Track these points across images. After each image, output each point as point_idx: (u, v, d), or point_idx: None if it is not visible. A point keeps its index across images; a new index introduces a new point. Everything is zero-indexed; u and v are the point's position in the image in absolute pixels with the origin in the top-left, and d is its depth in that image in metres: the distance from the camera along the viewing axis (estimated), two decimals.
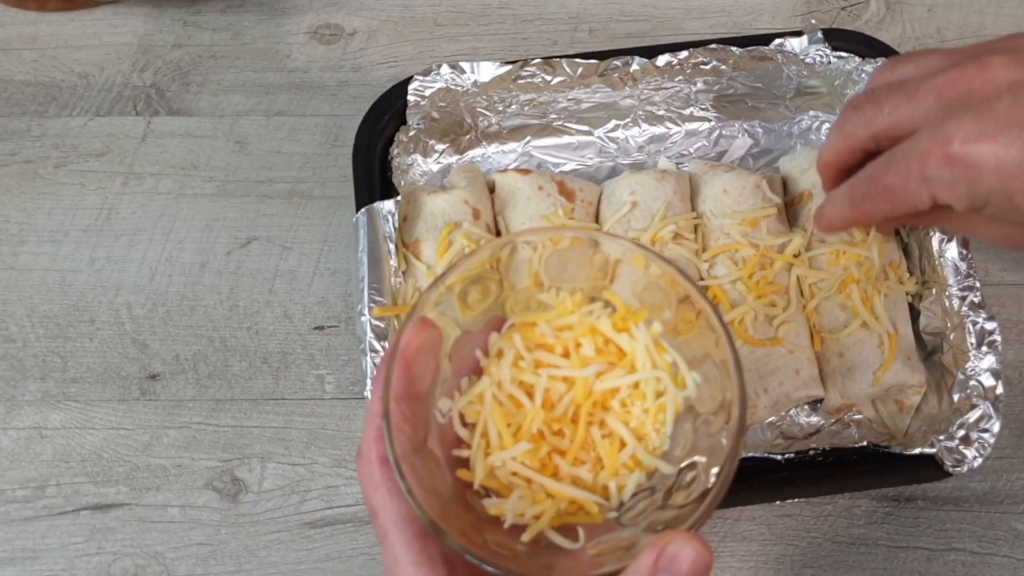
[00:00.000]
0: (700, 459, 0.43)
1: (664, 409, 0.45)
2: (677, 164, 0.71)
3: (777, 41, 0.70)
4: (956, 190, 0.51)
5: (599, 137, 0.72)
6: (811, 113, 0.72)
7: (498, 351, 0.47)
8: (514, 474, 0.44)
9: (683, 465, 0.44)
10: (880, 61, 0.69)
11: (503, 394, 0.45)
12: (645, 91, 0.71)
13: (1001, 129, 0.49)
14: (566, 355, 0.46)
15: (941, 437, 0.61)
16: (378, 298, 0.62)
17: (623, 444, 0.44)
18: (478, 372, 0.46)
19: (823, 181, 0.62)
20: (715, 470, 0.41)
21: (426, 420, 0.43)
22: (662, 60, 0.69)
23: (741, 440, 0.41)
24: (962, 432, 0.61)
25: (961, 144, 0.49)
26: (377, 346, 0.61)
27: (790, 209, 0.68)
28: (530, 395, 0.45)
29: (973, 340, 0.62)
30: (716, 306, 0.44)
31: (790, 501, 0.63)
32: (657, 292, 0.46)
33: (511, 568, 0.39)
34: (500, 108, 0.71)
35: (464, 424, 0.45)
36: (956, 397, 0.62)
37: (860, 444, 0.65)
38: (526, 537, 0.42)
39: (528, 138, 0.72)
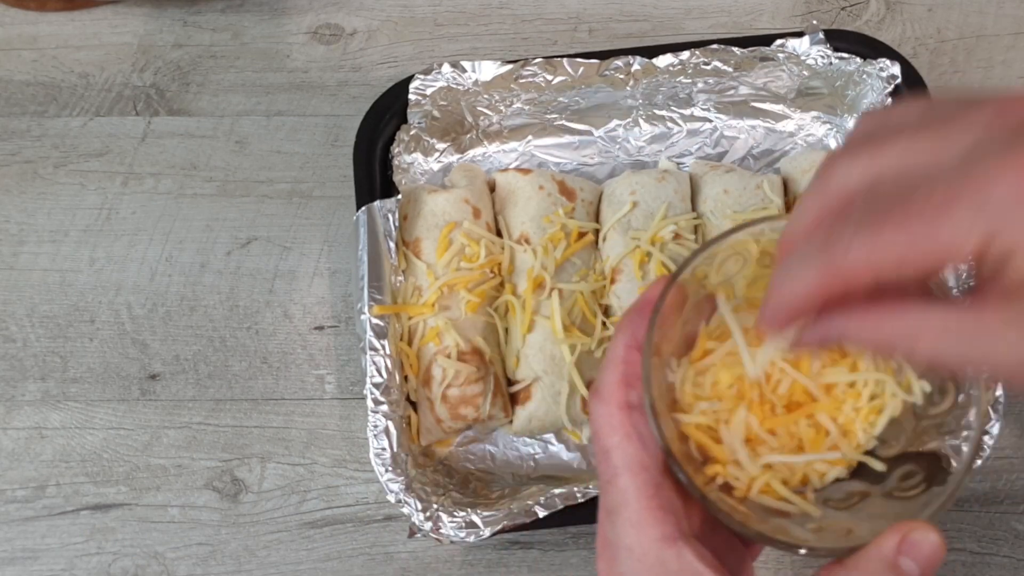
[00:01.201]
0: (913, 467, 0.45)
1: (878, 410, 0.45)
2: (678, 164, 0.71)
3: (778, 42, 0.70)
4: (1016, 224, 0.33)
5: (600, 137, 0.72)
6: (812, 114, 0.72)
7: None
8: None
9: (898, 463, 0.45)
10: (881, 61, 0.69)
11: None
12: (646, 91, 0.71)
13: None
14: None
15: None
16: (378, 296, 0.62)
17: (827, 433, 0.45)
18: (693, 342, 0.46)
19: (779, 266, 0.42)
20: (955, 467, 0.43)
21: (664, 377, 0.44)
22: (663, 60, 0.69)
23: (977, 448, 0.42)
24: (962, 433, 0.61)
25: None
26: (377, 344, 0.61)
27: (791, 210, 0.68)
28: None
29: None
30: None
31: None
32: None
33: (744, 522, 0.40)
34: (501, 107, 0.71)
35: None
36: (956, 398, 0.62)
37: None
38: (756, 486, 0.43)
39: (529, 137, 0.72)
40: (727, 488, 0.44)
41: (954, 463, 0.60)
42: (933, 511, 0.41)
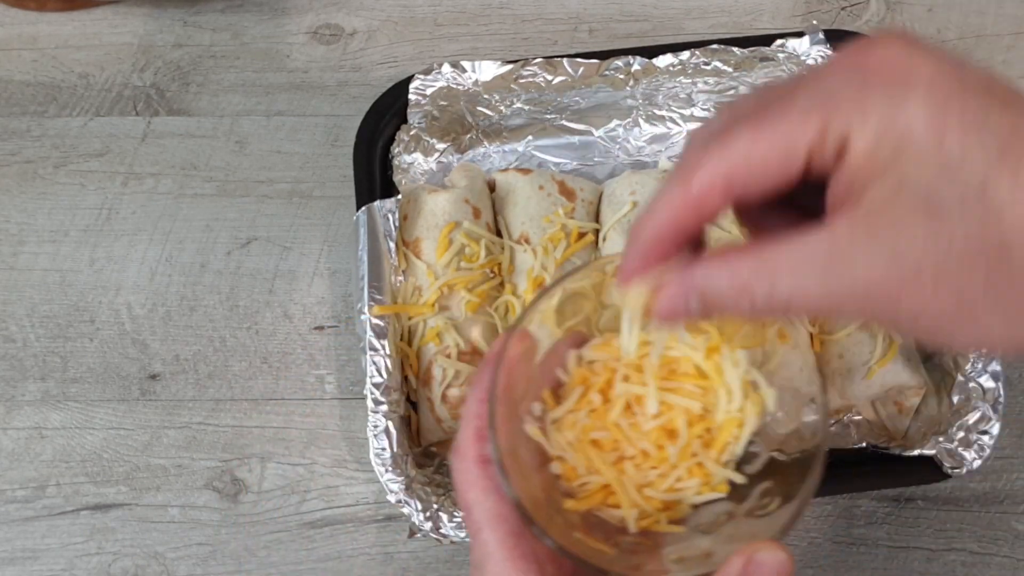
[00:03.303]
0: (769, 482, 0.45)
1: (739, 423, 0.46)
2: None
3: (779, 42, 0.70)
4: (866, 107, 0.32)
5: (600, 137, 0.72)
6: None
7: (584, 367, 0.48)
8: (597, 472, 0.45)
9: (759, 481, 0.45)
10: None
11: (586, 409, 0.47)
12: (646, 91, 0.71)
13: (933, 49, 0.33)
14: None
15: (940, 439, 0.61)
16: (378, 296, 0.62)
17: (693, 454, 0.46)
18: (558, 385, 0.47)
19: (634, 251, 0.37)
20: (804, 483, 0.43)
21: (519, 426, 0.45)
22: (664, 60, 0.69)
23: (822, 457, 0.42)
24: (961, 434, 0.61)
25: (889, 45, 0.32)
26: (377, 344, 0.61)
27: None
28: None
29: None
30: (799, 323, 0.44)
31: None
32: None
33: (602, 565, 0.41)
34: (501, 107, 0.71)
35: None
36: (956, 399, 0.62)
37: (859, 445, 0.65)
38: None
39: (529, 137, 0.72)
40: (600, 525, 0.44)
41: (946, 464, 0.60)
42: (782, 528, 0.41)
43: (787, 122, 0.32)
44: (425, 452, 0.64)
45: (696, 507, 0.45)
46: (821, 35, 0.70)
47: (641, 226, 0.36)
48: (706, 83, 0.71)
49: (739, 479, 0.45)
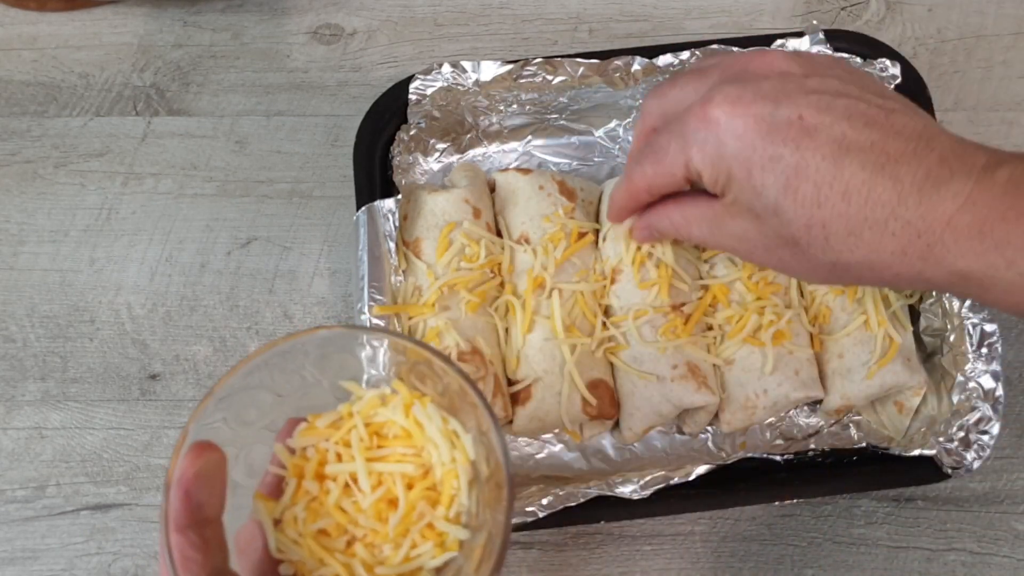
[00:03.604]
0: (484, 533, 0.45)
1: (455, 475, 0.47)
2: None
3: (778, 42, 0.70)
4: (705, 151, 0.51)
5: (600, 137, 0.72)
6: None
7: (301, 454, 0.48)
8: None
9: (480, 531, 0.46)
10: (881, 62, 0.69)
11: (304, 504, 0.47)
12: (646, 91, 0.70)
13: (756, 100, 0.50)
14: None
15: (940, 439, 0.61)
16: (378, 296, 0.62)
17: (420, 517, 0.46)
18: (278, 479, 0.48)
19: (616, 206, 0.62)
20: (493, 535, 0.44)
21: (222, 542, 0.43)
22: (664, 60, 0.69)
23: (510, 509, 0.43)
24: (961, 434, 0.61)
25: (718, 105, 0.50)
26: (377, 345, 0.61)
27: None
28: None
29: (973, 342, 0.62)
30: (471, 380, 0.46)
31: (790, 501, 0.63)
32: (424, 370, 0.48)
33: None
34: (501, 107, 0.71)
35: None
36: (956, 399, 0.62)
37: (859, 445, 0.65)
38: None
39: (529, 137, 0.72)
40: None
41: (946, 464, 0.60)
42: (491, 570, 0.43)
43: (668, 162, 0.54)
44: None
45: (438, 570, 0.46)
46: (821, 35, 0.70)
47: (613, 202, 0.62)
48: None
49: (464, 535, 0.46)
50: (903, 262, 0.49)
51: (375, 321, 0.62)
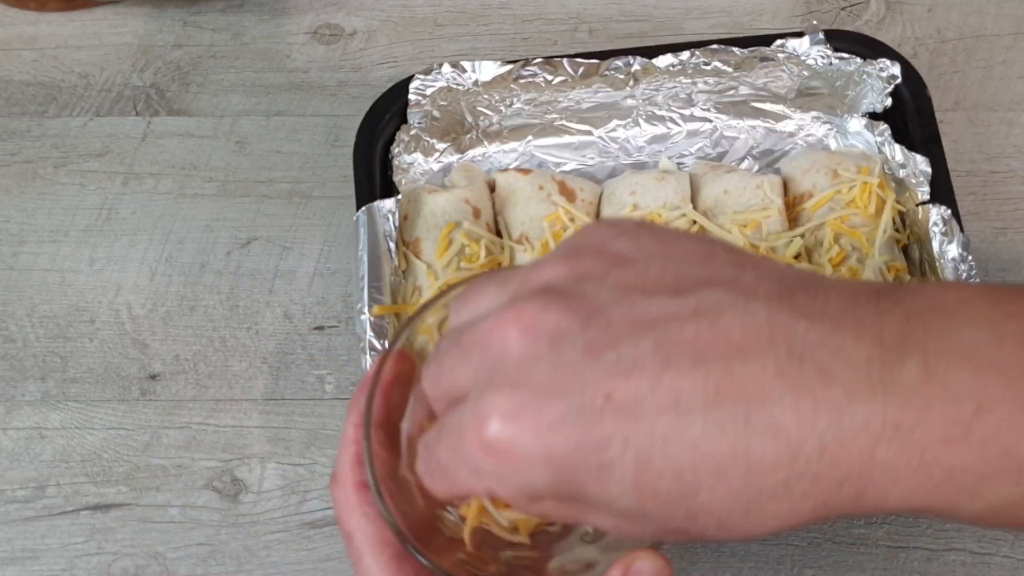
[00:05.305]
0: None
1: None
2: (678, 164, 0.71)
3: (778, 42, 0.70)
4: (511, 487, 0.37)
5: (600, 137, 0.72)
6: (812, 114, 0.72)
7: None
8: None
9: None
10: (881, 62, 0.69)
11: None
12: (646, 91, 0.71)
13: (542, 404, 0.35)
14: None
15: None
16: (378, 296, 0.62)
17: None
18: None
19: None
20: None
21: (399, 448, 0.45)
22: (664, 60, 0.69)
23: None
24: None
25: (499, 427, 0.35)
26: (377, 345, 0.61)
27: (791, 210, 0.68)
28: None
29: None
30: None
31: None
32: None
33: None
34: (501, 107, 0.71)
35: None
36: None
37: None
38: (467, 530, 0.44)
39: (529, 137, 0.72)
40: (488, 540, 0.44)
41: None
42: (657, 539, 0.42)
43: (463, 487, 0.39)
44: None
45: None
46: (821, 35, 0.70)
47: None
48: (706, 83, 0.71)
49: None
50: (839, 511, 0.36)
51: (375, 321, 0.62)
